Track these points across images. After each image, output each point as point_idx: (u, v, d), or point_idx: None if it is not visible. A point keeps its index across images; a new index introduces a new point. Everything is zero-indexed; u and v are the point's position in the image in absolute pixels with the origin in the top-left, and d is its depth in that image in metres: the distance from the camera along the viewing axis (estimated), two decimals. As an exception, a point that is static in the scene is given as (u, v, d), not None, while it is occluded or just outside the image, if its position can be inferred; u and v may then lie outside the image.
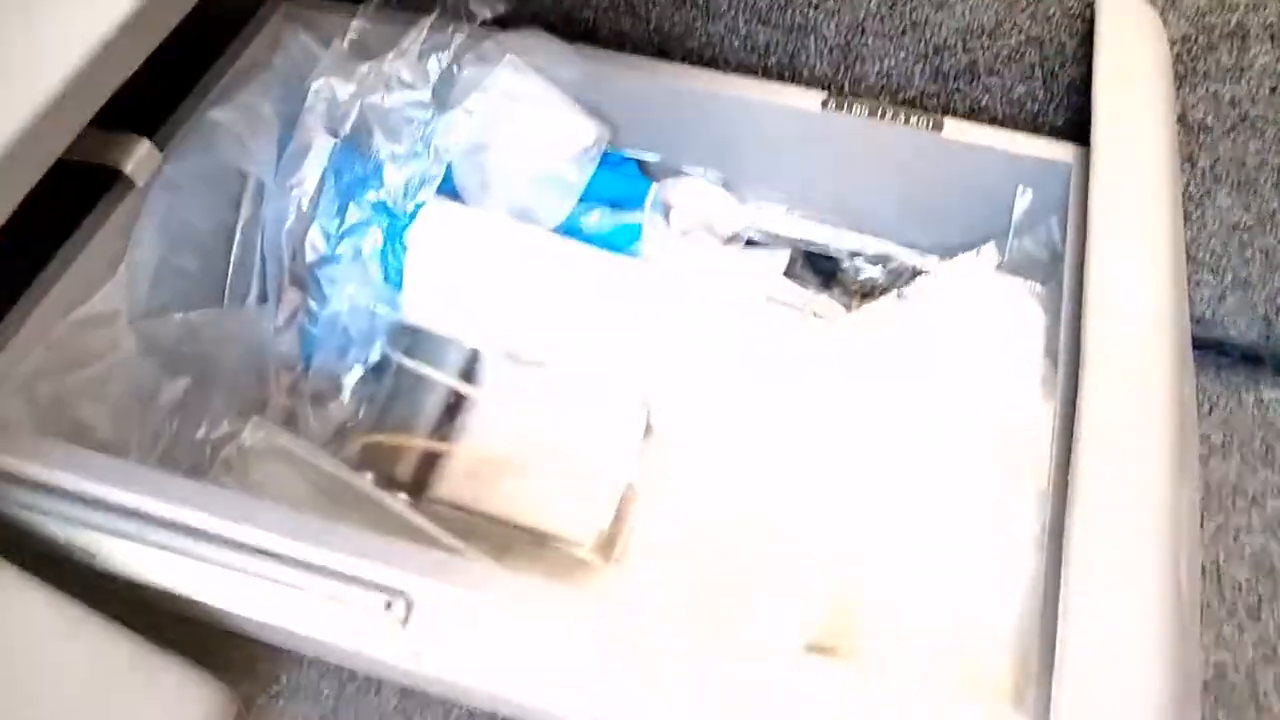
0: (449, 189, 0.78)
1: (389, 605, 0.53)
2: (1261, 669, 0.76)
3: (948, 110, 0.84)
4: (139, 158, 0.69)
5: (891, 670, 0.59)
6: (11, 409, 0.61)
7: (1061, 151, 0.71)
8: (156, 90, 0.70)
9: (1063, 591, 0.50)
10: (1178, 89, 0.80)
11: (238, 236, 0.77)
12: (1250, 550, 0.81)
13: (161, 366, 0.71)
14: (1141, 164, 0.66)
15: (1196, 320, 0.86)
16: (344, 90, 0.78)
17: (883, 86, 0.84)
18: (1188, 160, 0.82)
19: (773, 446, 0.71)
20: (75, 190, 0.67)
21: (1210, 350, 0.89)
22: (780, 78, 0.86)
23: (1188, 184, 0.83)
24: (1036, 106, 0.83)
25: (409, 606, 0.53)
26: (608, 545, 0.70)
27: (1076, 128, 0.79)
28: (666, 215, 0.80)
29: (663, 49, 0.86)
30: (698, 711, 0.51)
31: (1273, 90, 0.79)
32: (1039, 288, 0.70)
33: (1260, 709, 0.75)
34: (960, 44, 0.81)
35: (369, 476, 0.71)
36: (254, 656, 0.77)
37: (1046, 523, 0.54)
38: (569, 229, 0.78)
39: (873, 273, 0.80)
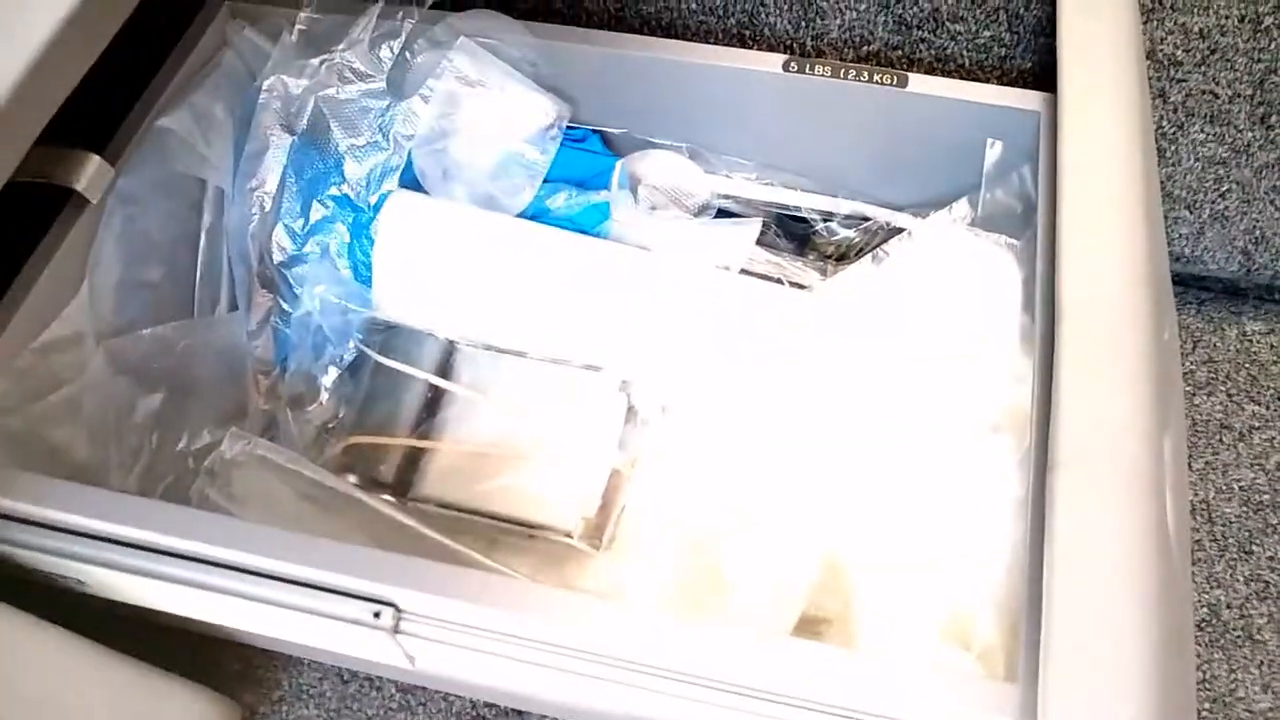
0: (410, 179, 0.77)
1: (377, 615, 0.53)
2: (1254, 604, 0.76)
3: (913, 61, 0.83)
4: (91, 173, 0.67)
5: (882, 641, 0.59)
6: (-17, 443, 0.60)
7: (1029, 99, 0.70)
8: (103, 101, 0.69)
9: (1047, 551, 0.50)
10: (1145, 23, 0.79)
11: (202, 244, 0.76)
12: (1239, 486, 0.81)
13: (135, 383, 0.70)
14: (1111, 106, 0.65)
15: (1176, 257, 0.86)
16: (296, 85, 0.76)
17: (845, 40, 0.83)
18: (1159, 96, 0.81)
19: (757, 419, 0.71)
20: (26, 212, 0.66)
21: (1191, 286, 0.89)
22: (741, 39, 0.84)
23: (1160, 120, 0.82)
24: (1004, 51, 0.81)
25: (397, 614, 0.53)
26: (597, 532, 0.69)
27: (1046, 71, 0.78)
28: (634, 190, 0.78)
29: (618, 18, 0.84)
30: (686, 701, 0.52)
31: (1242, 18, 0.77)
32: (1014, 242, 0.69)
33: (1255, 644, 0.75)
34: (922, -10, 0.80)
35: (352, 479, 0.70)
36: (253, 664, 0.77)
37: (1030, 481, 0.54)
38: (536, 212, 0.77)
39: (847, 234, 0.80)
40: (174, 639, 0.70)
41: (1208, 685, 0.74)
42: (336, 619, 0.54)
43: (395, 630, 0.54)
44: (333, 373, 0.77)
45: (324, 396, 0.77)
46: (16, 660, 0.58)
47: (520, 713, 0.76)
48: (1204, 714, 0.74)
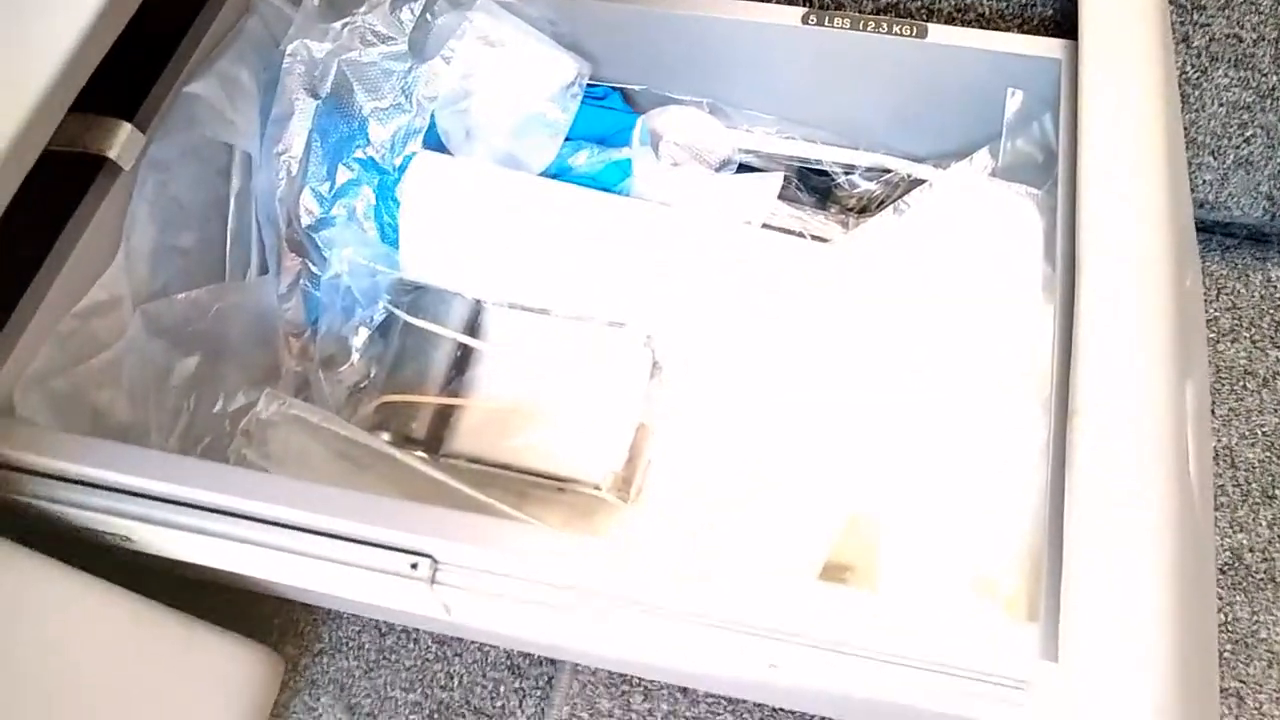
0: (433, 140, 0.77)
1: (415, 566, 0.55)
2: (1277, 548, 0.77)
3: (932, 11, 0.82)
4: (123, 141, 0.68)
5: (906, 586, 0.60)
6: (29, 406, 0.62)
7: (1049, 47, 0.70)
8: (131, 69, 0.70)
9: (1067, 495, 0.50)
10: (1169, -34, 0.78)
11: (231, 209, 0.78)
12: (1263, 431, 0.81)
13: (171, 347, 0.72)
14: (1133, 52, 0.64)
15: (1199, 204, 0.85)
16: (319, 49, 0.77)
17: (865, -9, 0.83)
18: (1182, 40, 0.80)
19: (781, 372, 0.72)
20: (62, 181, 0.67)
21: (1215, 233, 0.88)
22: (760, -7, 0.84)
23: (1184, 65, 0.81)
24: (1024, -1, 0.81)
25: (434, 565, 0.55)
26: (625, 485, 0.71)
27: (1067, 18, 0.77)
28: (655, 147, 0.79)
29: (637, -26, 0.84)
30: (715, 645, 0.53)
31: (1267, -41, 0.76)
32: (1035, 191, 0.69)
33: (1277, 587, 0.76)
34: (941, -63, 0.79)
35: (385, 437, 0.72)
36: (294, 619, 0.80)
37: (1051, 431, 0.55)
38: (558, 170, 0.78)
39: (868, 186, 0.80)
40: (218, 595, 0.73)
41: (1230, 627, 0.75)
42: (375, 571, 0.56)
43: (432, 581, 0.55)
44: (363, 334, 0.79)
45: (355, 357, 0.79)
46: (68, 615, 0.60)
47: (554, 661, 0.78)
48: (1226, 655, 0.75)
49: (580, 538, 0.55)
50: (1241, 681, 0.74)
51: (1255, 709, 0.73)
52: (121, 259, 0.68)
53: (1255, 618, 0.75)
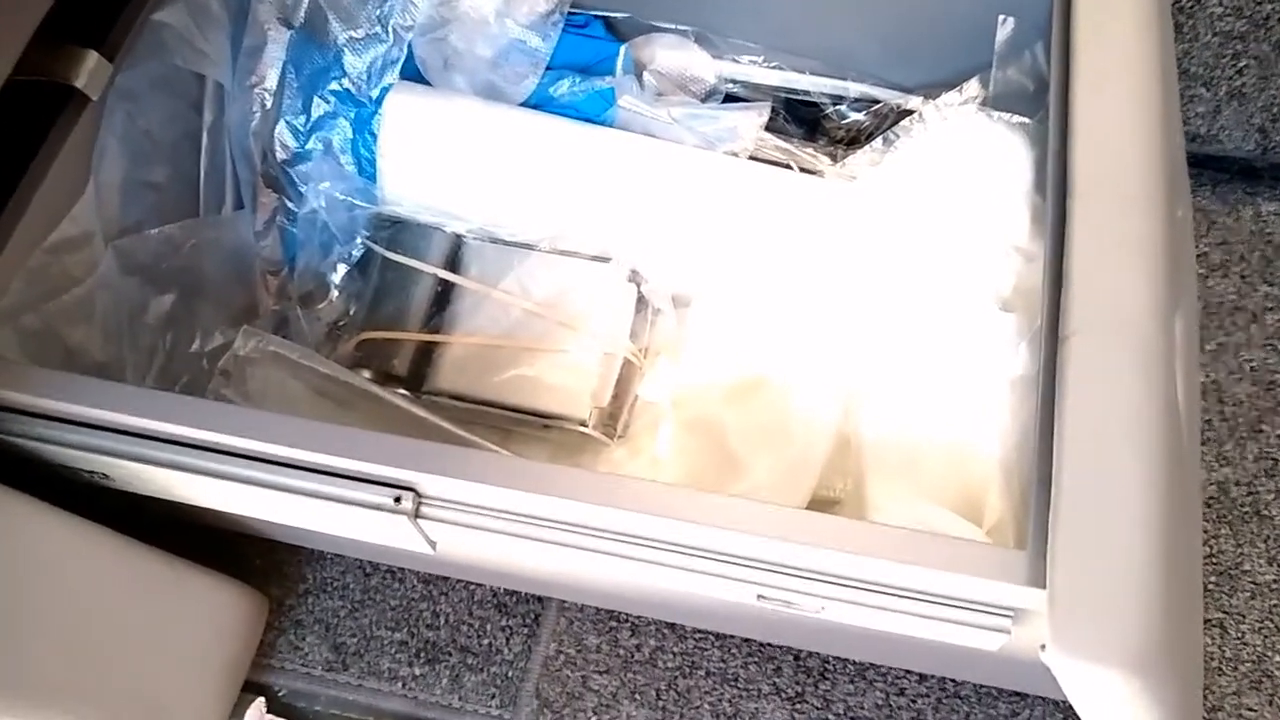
0: (411, 69, 0.75)
1: (398, 500, 0.54)
2: (1263, 482, 0.77)
3: (924, -63, 0.80)
4: (89, 69, 0.66)
5: (893, 516, 0.60)
6: (1, 342, 0.60)
7: (1043, -28, 0.68)
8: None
9: (1057, 421, 0.50)
10: (1164, -110, 0.76)
11: (204, 142, 0.75)
12: (1251, 366, 0.81)
13: (145, 283, 0.70)
14: (1127, -22, 0.63)
15: (1192, 137, 0.84)
16: (292, -25, 0.75)
17: (854, -84, 0.80)
18: (1177, -33, 0.79)
19: (769, 304, 0.71)
20: (29, 112, 0.65)
21: (1207, 168, 0.87)
22: (746, -83, 0.82)
23: (1178, -7, 0.79)
24: (1017, -77, 0.79)
25: (418, 499, 0.54)
26: (611, 421, 0.70)
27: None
28: (639, 77, 0.77)
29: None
30: (702, 576, 0.53)
31: (1264, -118, 0.75)
32: (1026, 121, 0.68)
33: (1262, 519, 0.76)
34: None
35: (366, 374, 0.71)
36: (278, 560, 0.79)
37: (1041, 359, 0.54)
38: (539, 100, 0.76)
39: (857, 117, 0.78)
40: (203, 537, 0.72)
41: (1215, 559, 0.76)
42: (359, 505, 0.55)
43: (416, 515, 0.55)
44: (341, 270, 0.77)
45: (334, 294, 0.78)
46: (50, 553, 0.59)
47: (541, 599, 0.78)
48: (1210, 586, 0.75)
49: (567, 469, 0.54)
50: (1225, 612, 0.75)
51: (1238, 639, 0.74)
52: (91, 193, 0.66)
53: (1239, 550, 0.76)
